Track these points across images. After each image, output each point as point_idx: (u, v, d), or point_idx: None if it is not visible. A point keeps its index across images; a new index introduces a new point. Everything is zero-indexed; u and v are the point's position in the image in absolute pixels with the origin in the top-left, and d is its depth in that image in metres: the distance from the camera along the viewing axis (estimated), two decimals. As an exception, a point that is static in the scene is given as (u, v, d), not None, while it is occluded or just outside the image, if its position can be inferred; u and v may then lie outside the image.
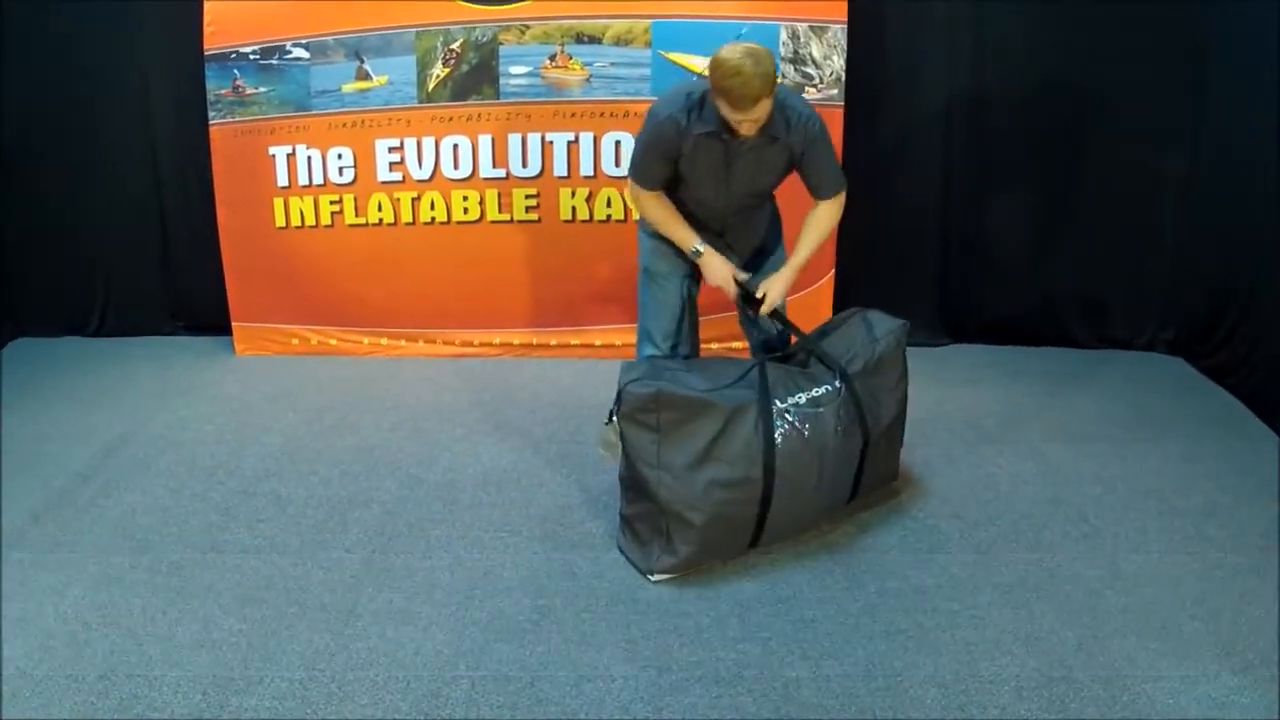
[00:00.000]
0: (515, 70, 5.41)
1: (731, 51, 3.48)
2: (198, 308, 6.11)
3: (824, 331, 4.11)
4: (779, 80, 3.70)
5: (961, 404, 5.12)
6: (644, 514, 3.73)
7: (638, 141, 3.95)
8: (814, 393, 3.75)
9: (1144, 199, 5.69)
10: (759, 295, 4.01)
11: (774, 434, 3.61)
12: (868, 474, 3.96)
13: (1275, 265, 4.92)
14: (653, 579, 3.68)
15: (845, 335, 4.04)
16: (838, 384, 3.81)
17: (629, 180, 4.05)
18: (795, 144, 3.82)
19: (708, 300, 4.43)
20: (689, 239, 4.02)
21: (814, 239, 4.06)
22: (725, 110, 3.59)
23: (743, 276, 4.06)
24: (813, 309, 5.45)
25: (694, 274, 4.21)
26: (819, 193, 4.02)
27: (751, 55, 3.46)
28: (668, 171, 3.92)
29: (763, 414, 3.60)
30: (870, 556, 3.84)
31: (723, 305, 4.57)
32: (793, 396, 3.70)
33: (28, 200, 5.92)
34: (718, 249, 4.11)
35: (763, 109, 3.58)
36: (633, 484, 3.73)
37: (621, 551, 3.87)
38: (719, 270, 4.03)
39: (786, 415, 3.64)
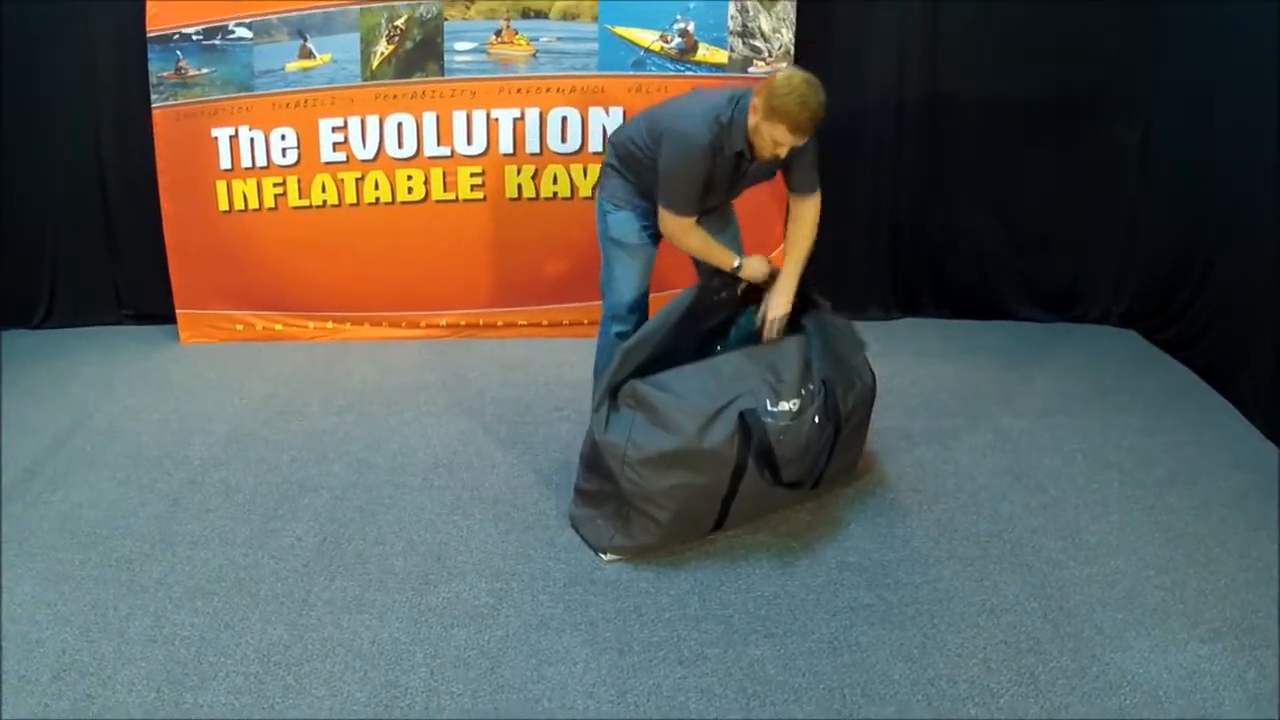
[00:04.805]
0: (460, 46, 5.33)
1: (794, 80, 3.53)
2: (145, 296, 6.00)
3: (828, 345, 3.89)
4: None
5: (915, 378, 5.10)
6: (603, 495, 3.69)
7: (674, 170, 3.79)
8: (794, 404, 3.62)
9: (1096, 173, 5.70)
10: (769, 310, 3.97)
11: (751, 442, 3.52)
12: (833, 464, 3.87)
13: (1227, 239, 4.94)
14: (605, 558, 3.66)
15: (841, 343, 3.94)
16: (814, 388, 3.70)
17: (666, 215, 3.86)
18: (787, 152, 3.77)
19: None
20: (729, 258, 3.95)
21: (806, 246, 4.05)
22: (779, 134, 3.58)
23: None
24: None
25: (655, 245, 4.14)
26: (802, 189, 4.00)
27: (812, 84, 3.53)
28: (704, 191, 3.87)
29: (741, 424, 3.51)
30: (829, 532, 3.82)
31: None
32: (775, 405, 3.59)
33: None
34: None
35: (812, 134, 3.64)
36: (595, 465, 3.68)
37: (574, 526, 3.84)
38: (760, 268, 4.00)
39: (765, 423, 3.54)
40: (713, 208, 4.05)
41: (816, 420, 3.67)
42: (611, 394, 3.65)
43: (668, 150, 3.77)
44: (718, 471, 3.53)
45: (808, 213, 4.03)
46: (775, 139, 3.60)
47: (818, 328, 3.87)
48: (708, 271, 4.02)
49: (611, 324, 4.19)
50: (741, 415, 3.50)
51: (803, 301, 4.02)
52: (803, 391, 3.65)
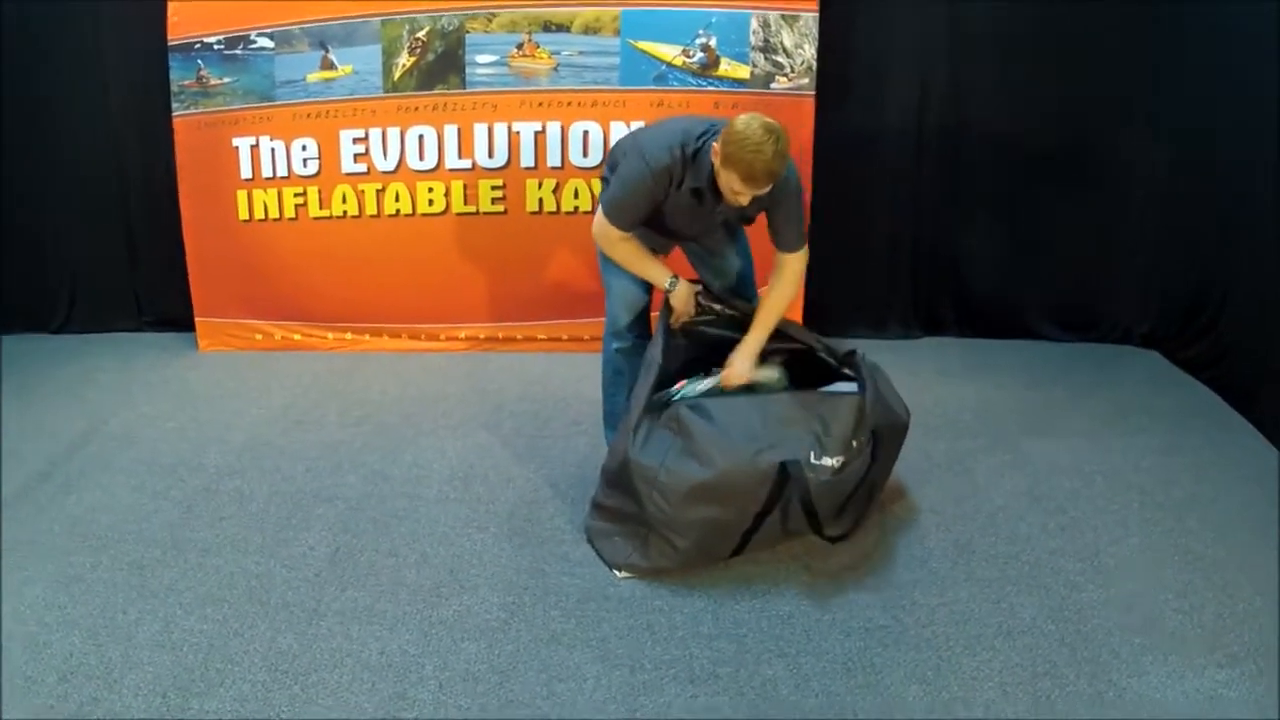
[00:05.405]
0: (482, 59, 5.33)
1: (751, 126, 3.35)
2: (164, 303, 6.04)
3: (879, 394, 3.75)
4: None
5: (936, 397, 5.06)
6: (624, 514, 3.66)
7: (621, 182, 3.73)
8: (838, 460, 3.52)
9: (1118, 192, 5.65)
10: (720, 374, 3.84)
11: (784, 488, 3.45)
12: (857, 501, 3.79)
13: (1250, 258, 4.89)
14: (618, 575, 3.63)
15: (885, 388, 3.84)
16: (864, 440, 3.61)
17: (600, 219, 3.80)
18: (766, 196, 3.59)
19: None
20: (661, 276, 3.88)
21: (779, 309, 3.88)
22: (734, 182, 3.43)
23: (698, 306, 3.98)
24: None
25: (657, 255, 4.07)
26: (780, 244, 3.83)
27: (772, 132, 3.34)
28: (648, 215, 3.77)
29: (780, 471, 3.43)
30: (845, 552, 3.76)
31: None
32: (818, 459, 3.49)
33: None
34: (692, 251, 4.17)
35: (770, 185, 3.47)
36: (619, 483, 3.64)
37: (589, 539, 3.82)
38: (684, 298, 3.91)
39: (807, 477, 3.45)
40: (691, 239, 4.09)
41: (857, 471, 3.60)
42: (652, 413, 3.62)
43: (626, 163, 3.74)
44: (745, 509, 3.49)
45: (786, 273, 3.85)
46: (732, 187, 3.46)
47: (871, 377, 3.77)
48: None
49: (612, 340, 4.19)
50: (783, 465, 3.42)
51: (798, 358, 4.01)
52: (853, 444, 3.57)
